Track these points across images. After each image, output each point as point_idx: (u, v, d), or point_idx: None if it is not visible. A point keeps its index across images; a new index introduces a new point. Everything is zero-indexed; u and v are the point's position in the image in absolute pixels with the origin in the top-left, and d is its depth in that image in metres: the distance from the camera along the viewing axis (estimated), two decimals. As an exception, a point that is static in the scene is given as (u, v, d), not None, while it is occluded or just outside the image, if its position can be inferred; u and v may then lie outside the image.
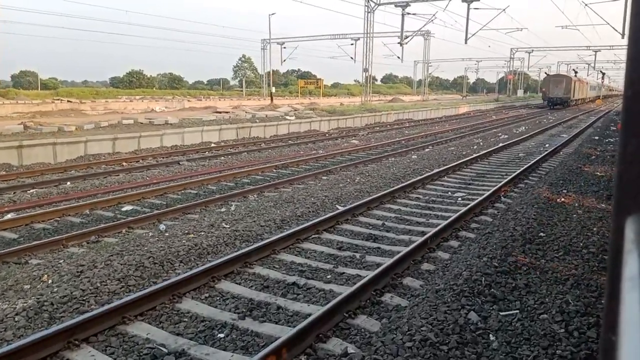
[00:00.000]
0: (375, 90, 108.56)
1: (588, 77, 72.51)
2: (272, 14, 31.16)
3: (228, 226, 7.33)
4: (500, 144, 18.51)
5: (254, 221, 7.51)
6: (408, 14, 33.40)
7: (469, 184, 11.18)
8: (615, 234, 0.66)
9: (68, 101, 40.30)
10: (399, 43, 35.53)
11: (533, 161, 13.74)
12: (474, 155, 15.45)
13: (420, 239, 6.63)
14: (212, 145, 17.91)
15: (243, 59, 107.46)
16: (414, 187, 10.45)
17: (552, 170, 12.55)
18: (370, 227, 7.61)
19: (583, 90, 57.06)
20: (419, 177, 11.24)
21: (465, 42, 32.07)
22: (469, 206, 8.50)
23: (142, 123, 17.29)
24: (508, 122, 32.65)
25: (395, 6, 33.10)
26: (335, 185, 10.69)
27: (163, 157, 15.08)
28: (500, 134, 23.98)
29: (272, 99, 31.49)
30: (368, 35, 35.09)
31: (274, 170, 13.26)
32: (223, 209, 8.68)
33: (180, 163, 13.87)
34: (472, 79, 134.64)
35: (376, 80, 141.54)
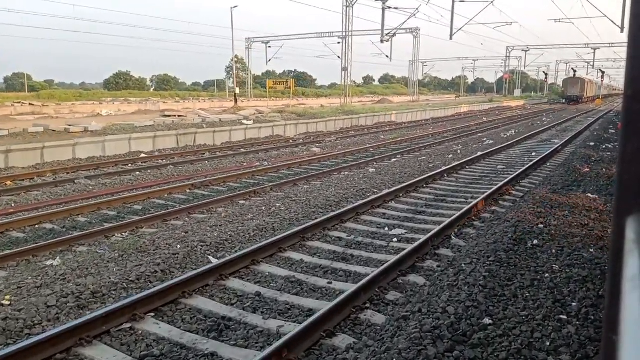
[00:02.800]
0: (371, 91, 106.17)
1: (593, 78, 76.70)
2: (235, 7, 28.51)
3: (7, 302, 4.75)
4: (479, 153, 15.90)
5: (53, 292, 4.91)
6: (389, 8, 30.81)
7: (419, 214, 8.57)
8: (616, 234, 0.66)
9: (30, 104, 37.75)
10: (380, 40, 32.92)
11: (510, 177, 11.14)
12: (444, 167, 12.87)
13: (292, 332, 4.06)
14: (142, 155, 15.33)
15: (236, 59, 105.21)
16: (342, 220, 7.85)
17: (531, 191, 9.95)
18: (234, 302, 5.01)
19: (593, 89, 68.41)
20: (358, 203, 8.65)
21: (451, 38, 29.46)
22: (400, 255, 5.93)
23: (54, 130, 14.71)
24: (498, 124, 30.05)
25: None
26: (241, 216, 8.10)
27: (67, 173, 12.50)
28: (485, 139, 21.39)
29: (235, 101, 28.81)
30: (347, 32, 32.48)
31: (188, 190, 10.68)
32: (50, 262, 6.09)
33: (76, 182, 11.28)
34: (471, 78, 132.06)
35: (374, 80, 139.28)
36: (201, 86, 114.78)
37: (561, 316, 4.51)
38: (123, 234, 7.41)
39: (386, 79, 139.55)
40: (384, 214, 8.49)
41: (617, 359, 0.55)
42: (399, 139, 21.62)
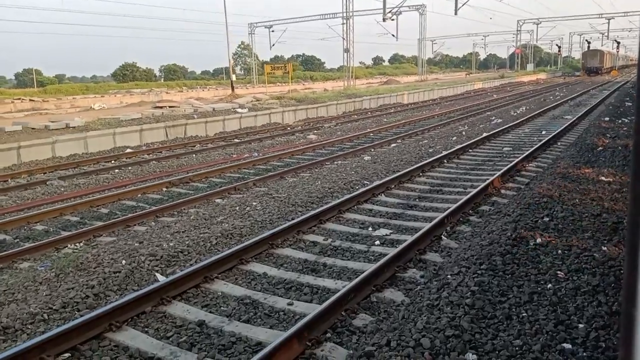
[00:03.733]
0: (381, 71, 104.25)
1: (610, 49, 77.06)
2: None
3: None
4: (485, 134, 14.87)
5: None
6: (390, -16, 29.45)
7: (409, 208, 7.68)
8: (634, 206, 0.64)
9: (30, 100, 37.25)
10: (383, 19, 31.62)
11: (517, 160, 10.17)
12: (444, 152, 11.91)
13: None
14: (128, 150, 14.58)
15: (242, 45, 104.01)
16: (321, 220, 6.99)
17: (538, 177, 8.98)
18: (170, 335, 4.19)
19: (611, 60, 70.96)
20: (342, 199, 7.76)
21: (455, 13, 28.11)
22: (377, 265, 5.06)
23: (33, 129, 14.02)
24: (509, 101, 28.78)
25: (376, -24, 29.14)
26: (210, 219, 7.29)
27: (44, 173, 11.81)
28: (493, 118, 20.28)
29: (232, 89, 27.88)
30: (348, 12, 31.24)
31: (165, 189, 9.91)
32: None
33: (48, 183, 10.56)
34: (482, 55, 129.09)
35: (383, 61, 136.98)
36: (210, 74, 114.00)
37: (565, 344, 3.64)
38: (77, 244, 6.66)
39: (396, 59, 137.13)
40: (371, 210, 7.61)
41: (635, 331, 0.55)
42: (403, 121, 20.63)
